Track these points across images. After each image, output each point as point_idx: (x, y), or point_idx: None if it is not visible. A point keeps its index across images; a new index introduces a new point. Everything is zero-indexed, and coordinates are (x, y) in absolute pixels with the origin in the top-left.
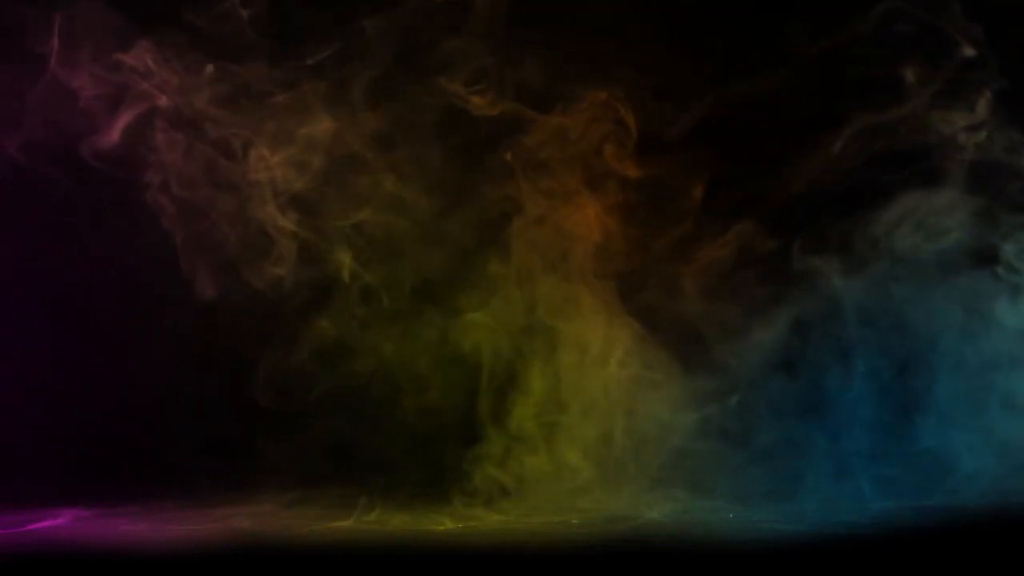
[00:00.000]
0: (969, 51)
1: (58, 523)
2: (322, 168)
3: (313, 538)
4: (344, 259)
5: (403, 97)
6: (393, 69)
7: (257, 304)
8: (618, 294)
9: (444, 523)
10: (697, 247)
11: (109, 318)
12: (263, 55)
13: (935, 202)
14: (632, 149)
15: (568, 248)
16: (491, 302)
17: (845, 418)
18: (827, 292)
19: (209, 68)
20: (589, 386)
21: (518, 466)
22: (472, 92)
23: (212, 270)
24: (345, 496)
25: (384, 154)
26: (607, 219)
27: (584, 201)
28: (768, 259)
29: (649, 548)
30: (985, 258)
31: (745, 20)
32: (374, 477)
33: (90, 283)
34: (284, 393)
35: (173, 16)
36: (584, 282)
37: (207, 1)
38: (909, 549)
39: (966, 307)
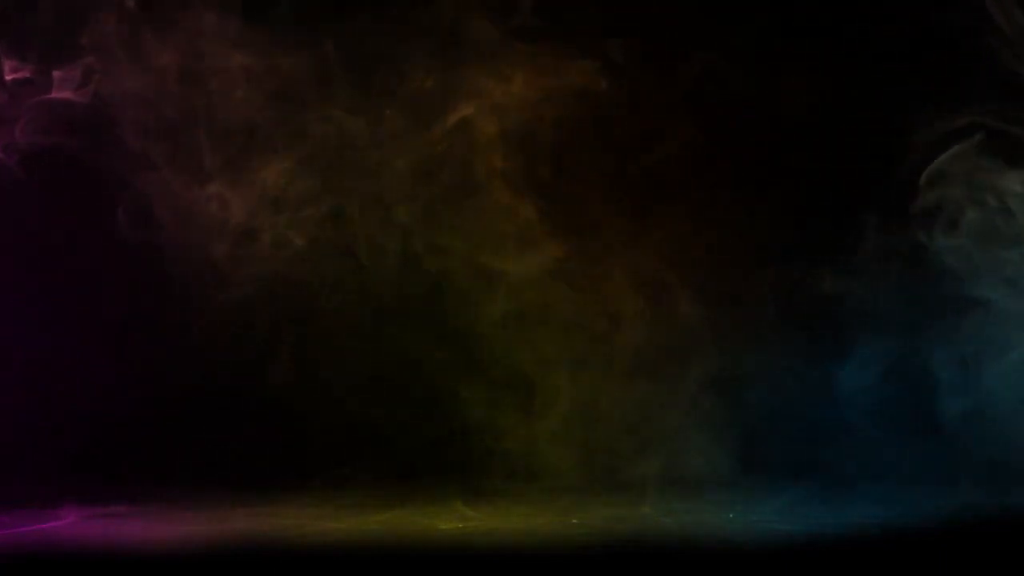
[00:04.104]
0: None
1: (58, 523)
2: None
3: (313, 538)
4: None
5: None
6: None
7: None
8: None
9: (444, 523)
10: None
11: (109, 318)
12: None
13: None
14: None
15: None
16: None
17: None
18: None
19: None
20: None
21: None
22: None
23: (211, 269)
24: (347, 496)
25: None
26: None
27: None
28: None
29: (649, 548)
30: None
31: None
32: (375, 476)
33: (90, 282)
34: (285, 393)
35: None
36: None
37: None
38: (909, 549)
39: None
